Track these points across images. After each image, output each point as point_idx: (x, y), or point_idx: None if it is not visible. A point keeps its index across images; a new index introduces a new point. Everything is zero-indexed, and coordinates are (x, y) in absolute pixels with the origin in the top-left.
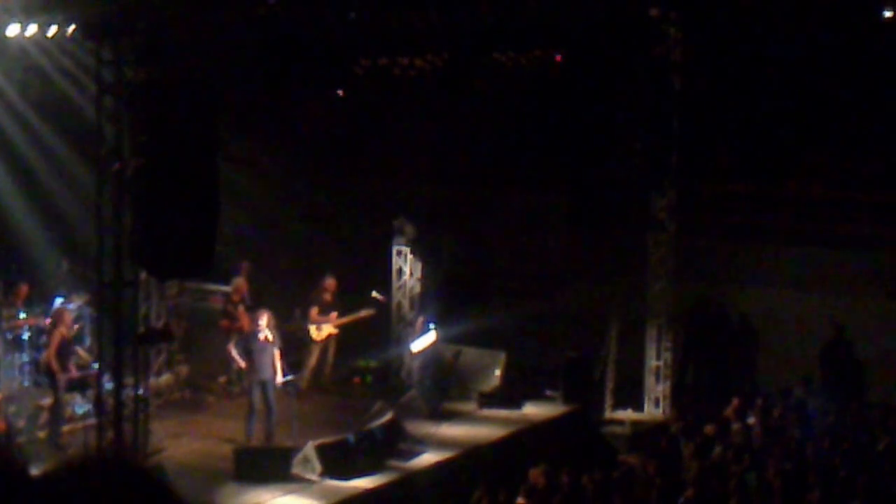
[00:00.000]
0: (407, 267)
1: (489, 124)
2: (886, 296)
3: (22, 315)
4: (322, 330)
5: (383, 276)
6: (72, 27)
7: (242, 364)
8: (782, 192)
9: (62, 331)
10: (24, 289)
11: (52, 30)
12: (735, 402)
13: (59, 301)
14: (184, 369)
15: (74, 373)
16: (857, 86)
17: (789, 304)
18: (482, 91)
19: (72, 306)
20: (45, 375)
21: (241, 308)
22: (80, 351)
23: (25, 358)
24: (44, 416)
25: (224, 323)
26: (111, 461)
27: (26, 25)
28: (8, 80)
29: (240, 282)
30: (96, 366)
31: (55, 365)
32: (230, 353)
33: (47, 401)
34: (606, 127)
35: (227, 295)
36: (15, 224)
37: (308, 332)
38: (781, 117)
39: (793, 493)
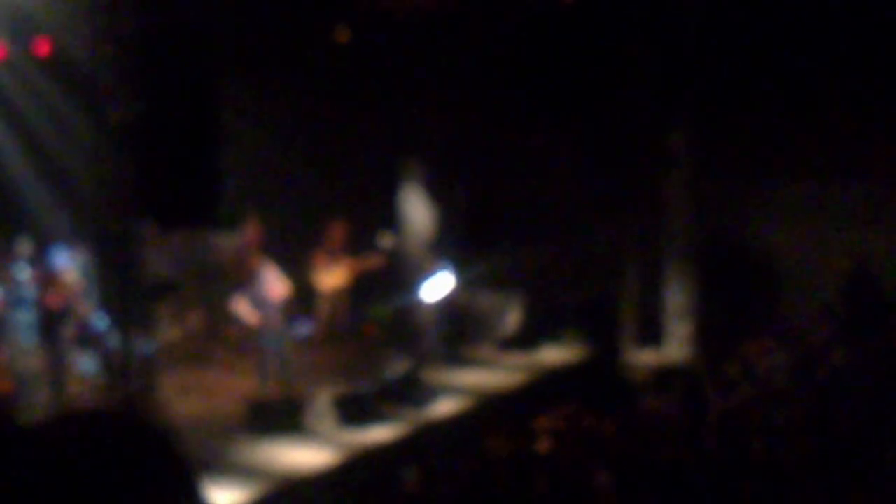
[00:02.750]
0: (417, 211)
1: (498, 64)
2: None
3: (24, 272)
4: (333, 279)
5: (393, 221)
6: None
7: (252, 319)
8: (802, 125)
9: (66, 287)
10: (25, 245)
11: None
12: (759, 340)
13: (60, 254)
14: (194, 323)
15: (73, 331)
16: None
17: (813, 239)
18: (490, 30)
19: (75, 261)
20: (43, 335)
21: (253, 258)
22: (83, 306)
23: (29, 316)
24: (51, 375)
25: (237, 273)
26: (109, 413)
27: None
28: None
29: (250, 231)
30: (103, 322)
31: (52, 323)
32: (236, 311)
33: (54, 359)
34: (618, 63)
35: (239, 245)
36: (13, 177)
37: (318, 281)
38: (797, 49)
39: (819, 431)
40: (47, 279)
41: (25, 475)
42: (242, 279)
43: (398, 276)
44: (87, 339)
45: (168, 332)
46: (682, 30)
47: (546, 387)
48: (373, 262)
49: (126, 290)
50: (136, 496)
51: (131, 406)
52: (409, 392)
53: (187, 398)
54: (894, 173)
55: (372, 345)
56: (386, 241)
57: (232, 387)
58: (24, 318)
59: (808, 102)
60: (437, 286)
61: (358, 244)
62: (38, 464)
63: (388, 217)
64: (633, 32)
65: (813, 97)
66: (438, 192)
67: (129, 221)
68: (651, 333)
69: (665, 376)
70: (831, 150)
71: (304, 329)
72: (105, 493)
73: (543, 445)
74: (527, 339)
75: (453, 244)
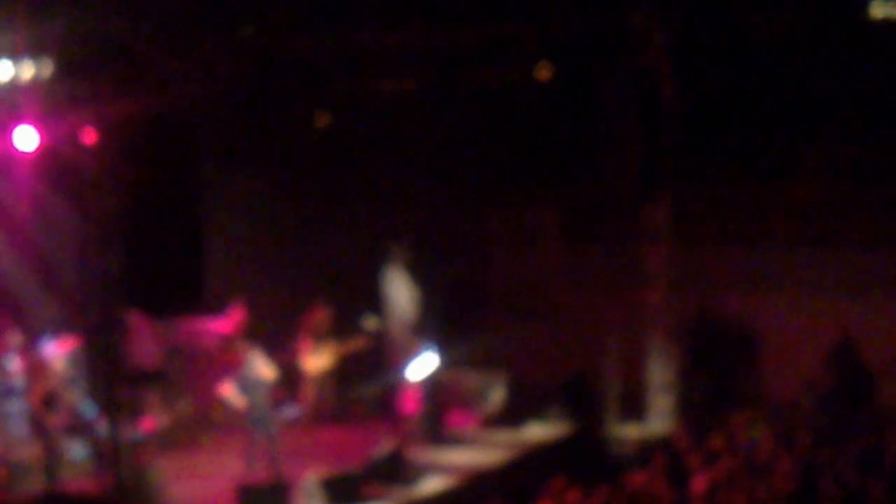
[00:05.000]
0: (401, 292)
1: (477, 143)
2: (891, 296)
3: (13, 363)
4: (317, 362)
5: (377, 303)
6: (49, 66)
7: (239, 403)
8: (780, 194)
9: (48, 378)
10: (16, 336)
11: (29, 71)
12: (742, 413)
13: (48, 346)
14: (184, 409)
15: (63, 419)
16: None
17: (793, 309)
18: (467, 110)
19: (61, 350)
20: (33, 424)
21: (239, 343)
22: (74, 395)
23: (17, 406)
24: (40, 464)
25: (224, 358)
26: (87, 498)
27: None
28: None
29: (236, 316)
30: (91, 410)
31: (42, 413)
32: (223, 395)
33: (43, 448)
34: (596, 138)
35: (223, 331)
36: (1, 270)
37: (304, 364)
38: (776, 118)
39: (805, 502)
40: (36, 369)
41: None
42: (229, 364)
43: (383, 357)
44: (78, 426)
45: (157, 417)
46: (661, 102)
47: (531, 463)
48: (358, 344)
49: (113, 378)
50: None
51: (122, 492)
52: (396, 472)
53: (180, 483)
54: (876, 243)
55: (358, 425)
56: (370, 323)
57: (221, 470)
58: (14, 408)
59: (789, 172)
60: (422, 366)
61: (343, 327)
62: None
63: (373, 299)
64: (611, 107)
65: (793, 166)
66: (421, 274)
67: (115, 310)
68: (634, 408)
69: (649, 450)
70: (813, 220)
71: (291, 412)
72: None
73: None
74: (511, 416)
75: (437, 325)
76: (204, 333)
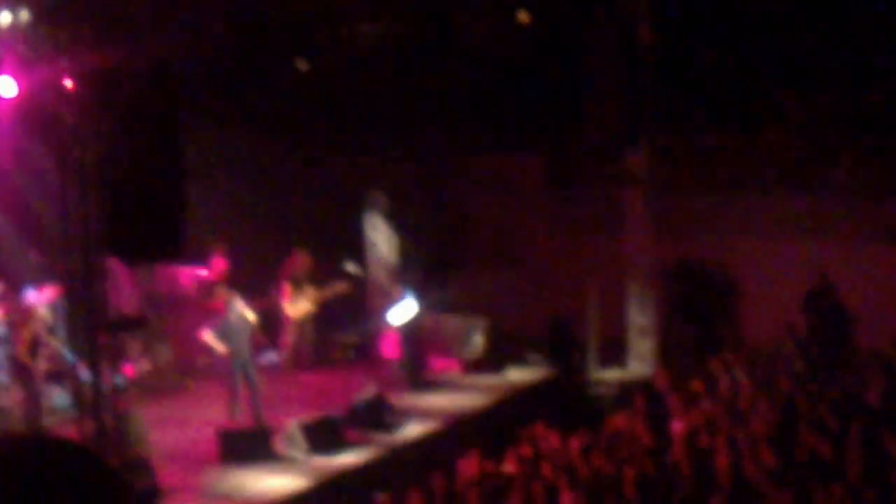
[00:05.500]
0: (382, 239)
1: (459, 89)
2: (869, 240)
3: None
4: (298, 307)
5: (358, 249)
6: (27, 14)
7: (220, 349)
8: (758, 140)
9: (34, 324)
10: None
11: (6, 18)
12: (721, 356)
13: (29, 294)
14: (163, 355)
15: (45, 365)
16: (828, 27)
17: (771, 254)
18: (448, 56)
19: (43, 298)
20: (17, 370)
21: (220, 289)
22: (56, 342)
23: (1, 353)
24: (22, 411)
25: (205, 304)
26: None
27: None
28: None
29: (217, 263)
30: (72, 357)
31: (27, 360)
32: (204, 340)
33: (24, 395)
34: (577, 85)
35: (205, 277)
36: None
37: (285, 310)
38: (754, 64)
39: (783, 446)
40: (21, 315)
41: None
42: (209, 310)
43: (364, 303)
44: (59, 373)
45: (138, 364)
46: (640, 48)
47: (512, 407)
48: (338, 289)
49: (94, 325)
50: None
51: (104, 438)
52: (378, 416)
53: (161, 429)
54: (854, 188)
55: (339, 371)
56: (351, 269)
57: (203, 417)
58: None
59: (768, 119)
60: (403, 312)
61: (323, 273)
62: None
63: (353, 246)
64: (591, 53)
65: (772, 113)
66: (402, 221)
67: (95, 258)
68: (615, 352)
69: (629, 394)
70: (792, 166)
71: (271, 358)
72: None
73: (512, 466)
74: (492, 361)
75: (417, 270)
76: (184, 280)
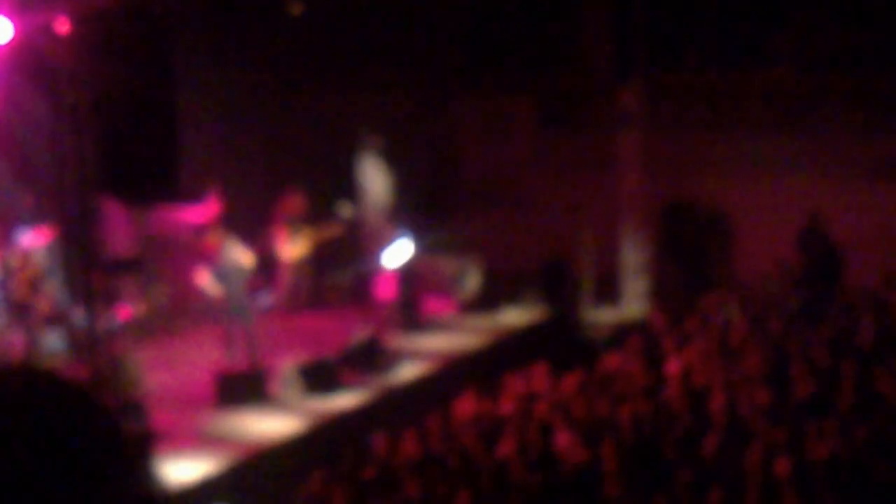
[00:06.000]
0: (375, 180)
1: (450, 30)
2: (859, 178)
3: None
4: (293, 249)
5: (351, 190)
6: None
7: (216, 292)
8: (750, 79)
9: (32, 267)
10: None
11: None
12: (714, 295)
13: (24, 237)
14: (159, 297)
15: (46, 307)
16: None
17: (763, 192)
18: None
19: (39, 241)
20: (17, 312)
21: (213, 231)
22: (51, 285)
23: None
24: (19, 354)
25: (199, 247)
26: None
27: None
28: None
29: (210, 205)
30: (66, 299)
31: (28, 301)
32: (200, 284)
33: (21, 338)
34: (569, 24)
35: (201, 218)
36: None
37: (279, 252)
38: (748, 3)
39: (777, 384)
40: (19, 256)
41: None
42: (204, 252)
43: (358, 244)
44: (55, 316)
45: (133, 306)
46: None
47: (507, 348)
48: (333, 231)
49: (89, 267)
50: (57, 451)
51: (99, 381)
52: (373, 358)
53: (157, 372)
54: (846, 126)
55: (334, 313)
56: (345, 210)
57: (198, 359)
58: None
59: (760, 57)
60: (397, 253)
61: (318, 214)
62: None
63: (347, 187)
64: None
65: (765, 52)
66: (396, 162)
67: (89, 199)
68: (609, 292)
69: (623, 333)
70: (783, 104)
71: (266, 300)
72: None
73: (507, 406)
74: (487, 302)
75: (412, 211)
76: (179, 222)
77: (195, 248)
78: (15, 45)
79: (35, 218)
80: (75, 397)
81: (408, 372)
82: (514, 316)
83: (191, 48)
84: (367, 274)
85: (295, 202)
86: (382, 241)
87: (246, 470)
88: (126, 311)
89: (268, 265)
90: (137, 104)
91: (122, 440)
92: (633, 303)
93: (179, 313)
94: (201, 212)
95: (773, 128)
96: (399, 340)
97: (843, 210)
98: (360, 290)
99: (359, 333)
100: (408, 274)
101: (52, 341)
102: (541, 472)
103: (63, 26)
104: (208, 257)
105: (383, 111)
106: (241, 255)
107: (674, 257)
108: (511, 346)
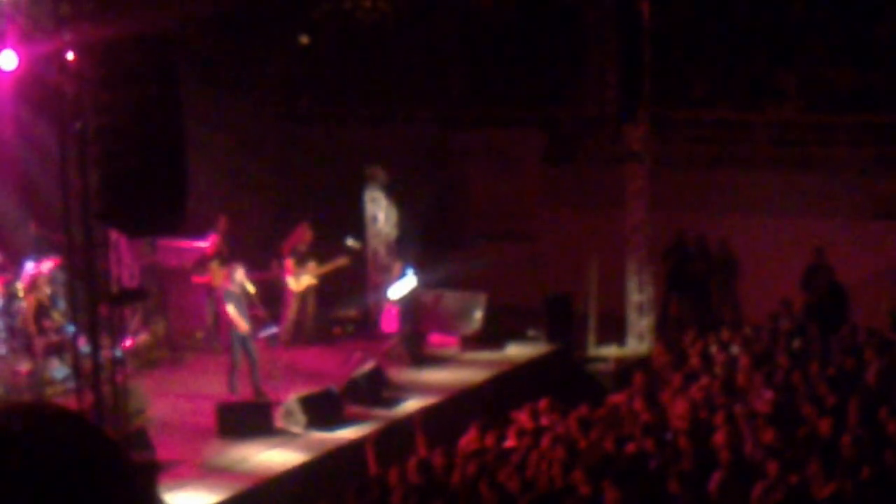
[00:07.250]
0: (381, 213)
1: (458, 64)
2: (866, 217)
3: None
4: (300, 281)
5: (358, 223)
6: None
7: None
8: (757, 116)
9: (37, 295)
10: None
11: None
12: (719, 333)
13: (29, 265)
14: (161, 328)
15: (51, 337)
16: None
17: (769, 230)
18: (449, 31)
19: (44, 269)
20: (21, 341)
21: (216, 263)
22: (55, 314)
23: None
24: (22, 383)
25: (200, 278)
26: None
27: None
28: None
29: (216, 237)
30: (72, 329)
31: (32, 329)
32: (209, 312)
33: (25, 366)
34: (577, 60)
35: (202, 251)
36: None
37: (286, 283)
38: (752, 40)
39: (782, 422)
40: (20, 287)
41: None
42: (207, 283)
43: (364, 277)
44: (59, 345)
45: (136, 336)
46: (638, 24)
47: (511, 383)
48: (339, 264)
49: (94, 297)
50: (65, 482)
51: (102, 410)
52: (377, 391)
53: (160, 401)
54: (851, 165)
55: (339, 345)
56: (351, 243)
57: (201, 390)
58: None
59: (766, 95)
60: (402, 287)
61: (324, 247)
62: None
63: (354, 219)
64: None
65: (770, 90)
66: (402, 195)
67: (95, 229)
68: (613, 328)
69: (628, 370)
70: (789, 142)
71: (271, 331)
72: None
73: (512, 442)
74: (491, 337)
75: (417, 245)
76: (184, 253)
77: (198, 278)
78: (21, 75)
79: (40, 246)
80: (83, 431)
81: (411, 406)
82: (519, 351)
83: (198, 79)
84: (372, 307)
85: (302, 234)
86: (388, 275)
87: (248, 502)
88: (130, 341)
89: (274, 296)
90: (144, 134)
91: (127, 472)
92: (638, 339)
93: (182, 344)
94: (206, 243)
95: (780, 165)
96: (403, 374)
97: (849, 248)
98: (365, 323)
99: (363, 366)
100: (413, 308)
101: (57, 369)
102: None
103: (70, 55)
104: (210, 288)
105: (391, 144)
106: (246, 285)
107: (679, 294)
108: (515, 380)
